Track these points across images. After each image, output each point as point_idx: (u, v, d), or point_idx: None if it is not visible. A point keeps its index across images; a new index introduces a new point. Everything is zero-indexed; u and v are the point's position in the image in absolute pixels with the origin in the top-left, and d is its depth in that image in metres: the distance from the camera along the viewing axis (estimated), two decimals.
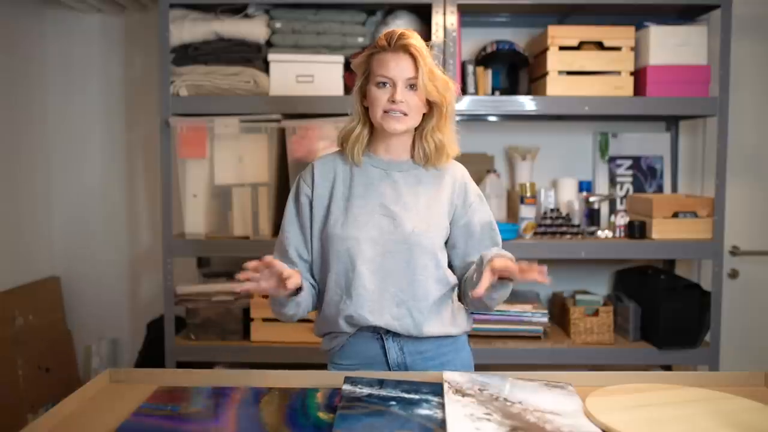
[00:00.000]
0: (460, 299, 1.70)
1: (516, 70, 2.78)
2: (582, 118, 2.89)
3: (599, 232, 2.63)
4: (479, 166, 2.82)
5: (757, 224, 2.95)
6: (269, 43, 2.58)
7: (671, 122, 2.92)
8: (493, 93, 2.71)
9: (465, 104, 2.52)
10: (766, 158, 2.94)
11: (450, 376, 1.46)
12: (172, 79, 2.50)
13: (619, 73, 2.52)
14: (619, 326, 2.66)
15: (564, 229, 2.59)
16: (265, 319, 2.53)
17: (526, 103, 2.52)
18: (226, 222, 2.54)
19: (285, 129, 2.48)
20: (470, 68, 2.66)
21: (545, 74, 2.54)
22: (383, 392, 1.41)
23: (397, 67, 1.55)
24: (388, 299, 1.59)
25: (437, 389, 1.43)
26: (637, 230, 2.57)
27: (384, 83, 1.57)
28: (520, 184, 2.68)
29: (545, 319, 2.55)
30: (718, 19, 2.49)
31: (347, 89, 2.52)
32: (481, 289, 1.41)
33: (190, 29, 2.52)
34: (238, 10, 2.56)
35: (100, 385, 1.52)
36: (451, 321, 1.65)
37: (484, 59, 2.68)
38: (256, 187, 2.51)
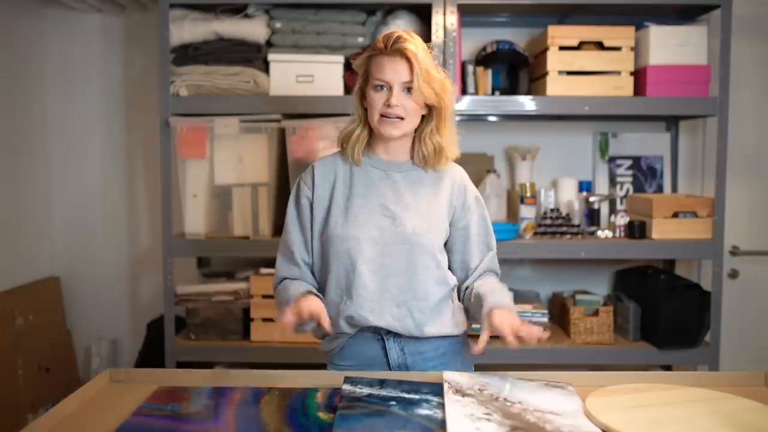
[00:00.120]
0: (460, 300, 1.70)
1: (516, 70, 2.78)
2: (582, 118, 2.89)
3: (599, 232, 2.63)
4: (479, 166, 2.82)
5: (757, 224, 2.95)
6: (269, 43, 2.58)
7: (671, 122, 2.92)
8: (493, 93, 2.71)
9: (465, 104, 2.52)
10: (766, 158, 2.94)
11: (450, 376, 1.46)
12: (172, 79, 2.50)
13: (619, 73, 2.52)
14: (619, 326, 2.66)
15: (564, 229, 2.59)
16: (265, 319, 2.53)
17: (526, 103, 2.52)
18: (226, 222, 2.54)
19: (285, 129, 2.48)
20: (470, 68, 2.66)
21: (545, 74, 2.54)
22: (383, 392, 1.41)
23: (393, 71, 1.55)
24: (389, 299, 1.59)
25: (437, 389, 1.43)
26: (637, 230, 2.57)
27: (380, 86, 1.56)
28: (520, 184, 2.68)
29: (545, 319, 2.55)
30: (718, 19, 2.49)
31: (347, 89, 2.52)
32: (480, 347, 1.44)
33: (190, 29, 2.52)
34: (238, 10, 2.56)
35: (100, 385, 1.52)
36: (452, 321, 1.65)
37: (484, 59, 2.68)
38: (256, 187, 2.51)
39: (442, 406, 1.34)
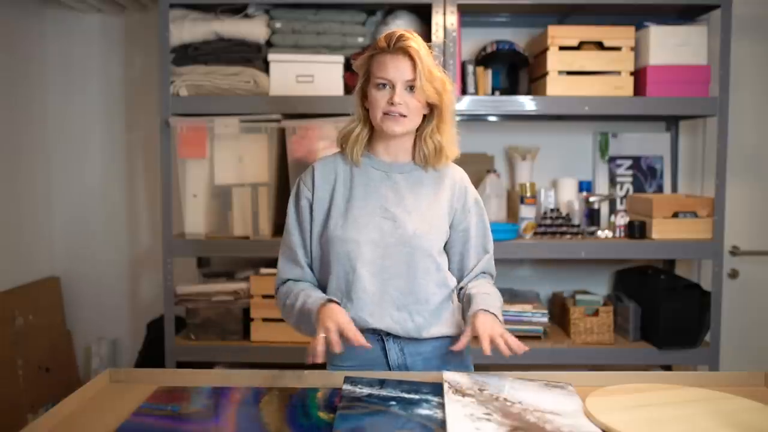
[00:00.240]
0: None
1: (516, 70, 2.78)
2: (582, 118, 2.89)
3: (599, 232, 2.63)
4: (479, 166, 2.82)
5: (757, 224, 2.95)
6: (269, 43, 2.58)
7: (671, 122, 2.92)
8: (493, 93, 2.71)
9: (465, 104, 2.52)
10: (766, 158, 2.94)
11: (450, 376, 1.46)
12: (172, 79, 2.50)
13: (619, 73, 2.52)
14: (619, 326, 2.66)
15: (564, 229, 2.59)
16: (265, 319, 2.53)
17: (526, 103, 2.52)
18: (226, 222, 2.54)
19: (285, 129, 2.48)
20: (470, 68, 2.66)
21: (545, 74, 2.54)
22: (383, 392, 1.41)
23: (396, 69, 1.55)
24: (389, 302, 1.59)
25: (437, 389, 1.43)
26: (637, 230, 2.57)
27: (383, 85, 1.56)
28: (520, 184, 2.68)
29: (545, 319, 2.55)
30: (718, 19, 2.49)
31: (347, 89, 2.52)
32: (458, 346, 1.50)
33: (190, 29, 2.52)
34: (238, 10, 2.56)
35: (100, 385, 1.52)
36: (451, 322, 1.65)
37: (484, 59, 2.68)
38: (256, 187, 2.51)
39: (442, 406, 1.34)
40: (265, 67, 2.54)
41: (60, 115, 2.98)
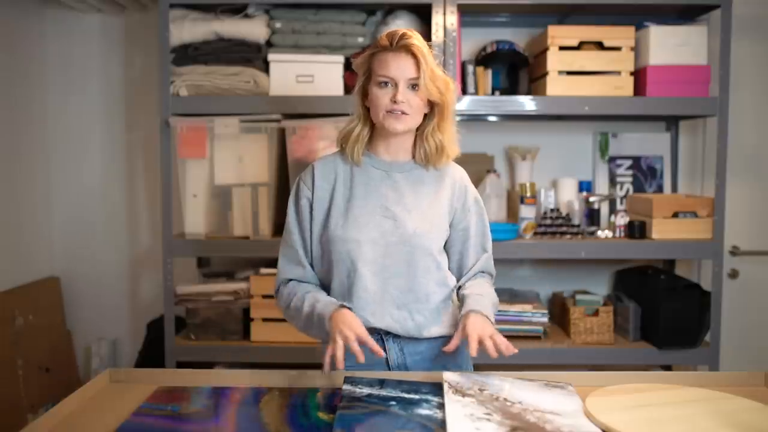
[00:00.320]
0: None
1: (516, 70, 2.78)
2: (582, 118, 2.89)
3: (599, 232, 2.63)
4: (479, 166, 2.82)
5: (757, 224, 2.95)
6: (269, 43, 2.58)
7: (671, 122, 2.92)
8: (493, 93, 2.71)
9: (465, 104, 2.52)
10: (766, 158, 2.94)
11: (450, 376, 1.46)
12: (172, 79, 2.50)
13: (619, 73, 2.52)
14: (619, 326, 2.66)
15: (564, 229, 2.59)
16: (265, 319, 2.53)
17: (526, 103, 2.52)
18: (226, 222, 2.54)
19: (285, 129, 2.48)
20: (470, 68, 2.66)
21: (545, 74, 2.54)
22: (383, 392, 1.41)
23: (399, 67, 1.55)
24: (389, 301, 1.59)
25: (437, 389, 1.43)
26: (637, 230, 2.57)
27: (386, 83, 1.56)
28: (520, 184, 2.68)
29: (545, 319, 2.55)
30: (718, 19, 2.49)
31: (347, 89, 2.52)
32: (450, 347, 1.51)
33: (190, 29, 2.52)
34: (238, 10, 2.56)
35: (100, 385, 1.52)
36: (451, 322, 1.65)
37: (484, 59, 2.68)
38: (256, 187, 2.51)
39: (442, 406, 1.34)
40: (265, 67, 2.54)
41: (60, 115, 2.98)
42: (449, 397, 1.35)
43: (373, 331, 1.61)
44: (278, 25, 2.54)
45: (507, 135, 2.94)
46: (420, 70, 1.54)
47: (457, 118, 2.50)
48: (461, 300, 1.61)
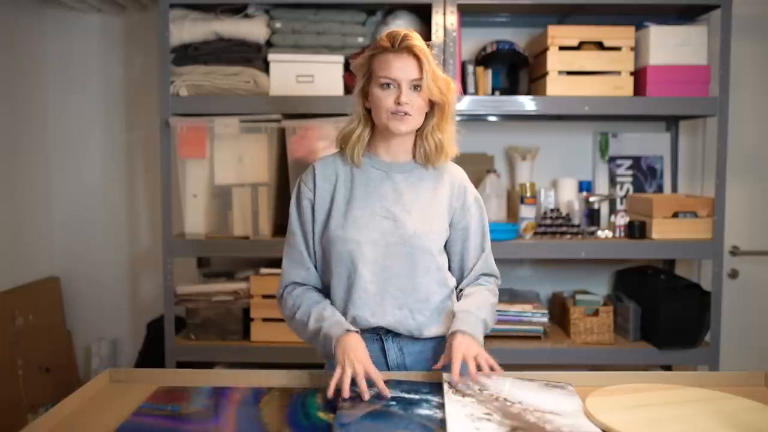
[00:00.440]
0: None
1: (516, 70, 2.78)
2: (582, 118, 2.89)
3: (599, 232, 2.63)
4: (479, 166, 2.82)
5: (757, 224, 2.95)
6: (269, 43, 2.58)
7: (671, 122, 2.92)
8: (493, 93, 2.71)
9: (465, 104, 2.52)
10: (766, 158, 2.94)
11: (450, 377, 1.46)
12: (172, 79, 2.50)
13: (619, 73, 2.52)
14: (619, 326, 2.66)
15: (564, 229, 2.59)
16: (265, 319, 2.53)
17: (526, 103, 2.52)
18: (226, 222, 2.54)
19: (285, 129, 2.48)
20: (470, 68, 2.66)
21: (545, 74, 2.54)
22: None
23: (402, 69, 1.54)
24: (390, 302, 1.59)
25: (437, 389, 1.43)
26: (637, 230, 2.57)
27: (388, 84, 1.56)
28: (520, 184, 2.68)
29: (545, 319, 2.55)
30: (718, 19, 2.49)
31: (347, 89, 2.52)
32: (437, 366, 1.51)
33: (190, 29, 2.52)
34: (238, 10, 2.56)
35: (100, 385, 1.52)
36: (451, 322, 1.64)
37: (484, 59, 2.68)
38: (256, 187, 2.51)
39: (442, 406, 1.34)
40: (265, 67, 2.54)
41: (60, 115, 2.98)
42: (449, 397, 1.35)
43: (373, 331, 1.62)
44: (278, 25, 2.54)
45: (507, 135, 2.94)
46: (423, 71, 1.54)
47: (457, 118, 2.50)
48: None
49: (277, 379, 1.54)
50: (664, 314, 2.52)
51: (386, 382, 1.45)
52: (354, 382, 1.41)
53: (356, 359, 1.44)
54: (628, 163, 2.92)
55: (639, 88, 2.55)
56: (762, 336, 2.95)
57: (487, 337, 2.51)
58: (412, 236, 1.58)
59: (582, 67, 2.51)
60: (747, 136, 2.90)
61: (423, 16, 2.57)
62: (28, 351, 2.70)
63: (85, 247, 3.01)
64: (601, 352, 2.56)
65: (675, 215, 2.55)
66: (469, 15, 2.71)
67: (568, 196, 2.78)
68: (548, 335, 2.59)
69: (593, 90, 2.51)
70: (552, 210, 2.65)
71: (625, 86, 2.52)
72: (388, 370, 1.62)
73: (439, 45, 2.46)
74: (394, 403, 1.36)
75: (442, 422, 1.26)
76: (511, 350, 2.50)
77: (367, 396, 1.39)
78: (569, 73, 2.52)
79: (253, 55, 2.55)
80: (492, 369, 1.46)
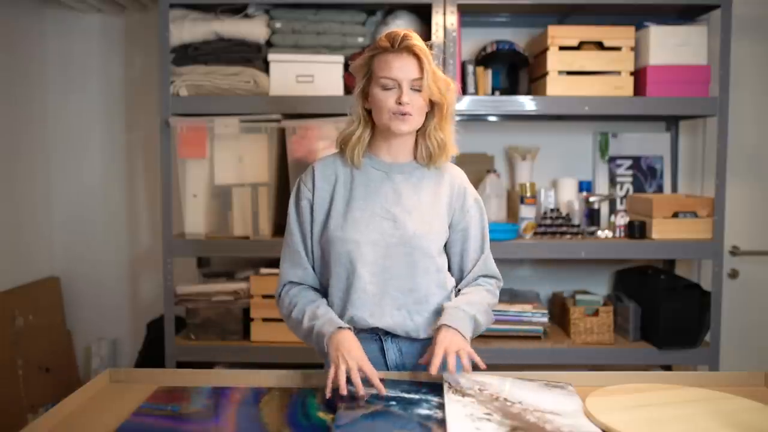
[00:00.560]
0: None
1: (516, 70, 2.78)
2: (582, 118, 2.89)
3: (599, 232, 2.63)
4: (479, 166, 2.82)
5: (757, 224, 2.95)
6: (269, 43, 2.58)
7: (671, 122, 2.92)
8: (493, 93, 2.71)
9: (465, 104, 2.52)
10: (766, 158, 2.94)
11: (450, 376, 1.46)
12: (172, 79, 2.50)
13: (619, 73, 2.52)
14: (619, 326, 2.66)
15: (564, 229, 2.59)
16: (265, 319, 2.53)
17: (526, 103, 2.52)
18: (226, 222, 2.54)
19: (285, 129, 2.48)
20: (470, 68, 2.66)
21: (545, 74, 2.54)
22: None
23: (402, 69, 1.54)
24: (389, 302, 1.59)
25: (437, 389, 1.43)
26: (637, 230, 2.57)
27: (389, 85, 1.56)
28: (520, 184, 2.68)
29: (545, 319, 2.55)
30: (718, 19, 2.49)
31: (347, 89, 2.52)
32: (424, 360, 1.50)
33: (190, 29, 2.52)
34: (238, 10, 2.56)
35: (100, 385, 1.52)
36: None
37: (484, 59, 2.68)
38: (256, 187, 2.51)
39: (442, 406, 1.34)
40: (265, 67, 2.54)
41: (60, 115, 2.98)
42: (449, 397, 1.35)
43: (372, 331, 1.62)
44: (278, 25, 2.54)
45: (507, 135, 2.94)
46: (423, 71, 1.54)
47: (457, 118, 2.51)
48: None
49: (277, 379, 1.54)
50: (664, 314, 2.52)
51: (384, 381, 1.45)
52: (349, 380, 1.41)
53: (349, 355, 1.44)
54: (628, 163, 2.92)
55: (639, 88, 2.55)
56: (762, 336, 2.95)
57: (487, 337, 2.54)
58: (411, 237, 1.58)
59: (582, 67, 2.51)
60: (747, 136, 2.90)
61: (423, 16, 2.57)
62: (28, 351, 2.70)
63: (85, 247, 3.01)
64: (601, 352, 2.56)
65: (675, 215, 2.55)
66: (469, 15, 2.71)
67: (568, 196, 2.78)
68: (548, 335, 2.59)
69: (593, 90, 2.51)
70: (552, 210, 2.65)
71: (625, 86, 2.52)
72: (387, 370, 1.62)
73: (439, 45, 2.46)
74: (393, 403, 1.36)
75: (442, 422, 1.26)
76: (511, 350, 2.51)
77: (362, 391, 1.39)
78: (569, 73, 2.52)
79: (253, 55, 2.55)
80: (477, 366, 1.46)
